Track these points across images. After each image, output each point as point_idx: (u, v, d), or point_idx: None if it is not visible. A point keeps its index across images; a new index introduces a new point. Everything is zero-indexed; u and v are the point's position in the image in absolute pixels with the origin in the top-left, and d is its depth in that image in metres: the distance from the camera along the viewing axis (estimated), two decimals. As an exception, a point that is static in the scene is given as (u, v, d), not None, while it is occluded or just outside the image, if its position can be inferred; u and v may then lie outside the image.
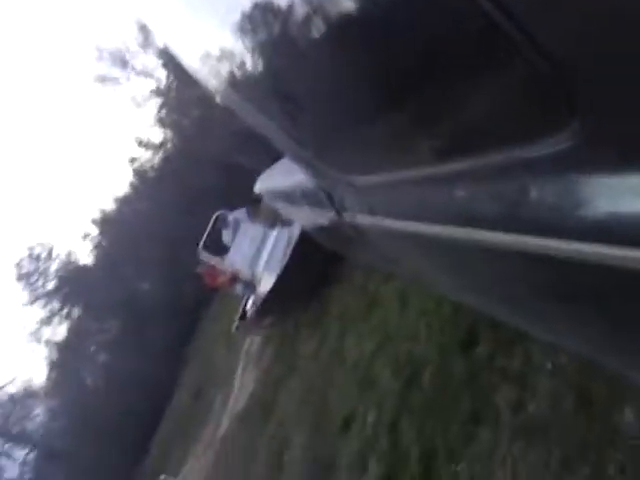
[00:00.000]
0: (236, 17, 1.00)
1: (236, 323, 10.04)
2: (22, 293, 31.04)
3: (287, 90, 1.20)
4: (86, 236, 32.67)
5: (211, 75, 1.58)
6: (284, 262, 7.28)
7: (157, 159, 30.62)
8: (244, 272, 8.78)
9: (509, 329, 2.64)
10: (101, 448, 25.18)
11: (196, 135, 23.96)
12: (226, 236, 9.51)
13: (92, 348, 35.90)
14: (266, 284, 8.03)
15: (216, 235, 9.67)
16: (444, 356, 3.33)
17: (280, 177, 2.94)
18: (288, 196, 2.82)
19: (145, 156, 30.79)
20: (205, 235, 9.73)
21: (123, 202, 32.64)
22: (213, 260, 9.28)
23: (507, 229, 0.72)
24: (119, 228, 32.21)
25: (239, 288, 9.36)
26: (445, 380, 3.22)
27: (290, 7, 0.85)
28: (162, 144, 29.53)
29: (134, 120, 26.98)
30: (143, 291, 32.33)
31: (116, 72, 24.16)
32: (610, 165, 0.50)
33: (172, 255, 27.77)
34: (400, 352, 3.98)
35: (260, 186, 4.10)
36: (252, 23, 0.99)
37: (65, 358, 34.25)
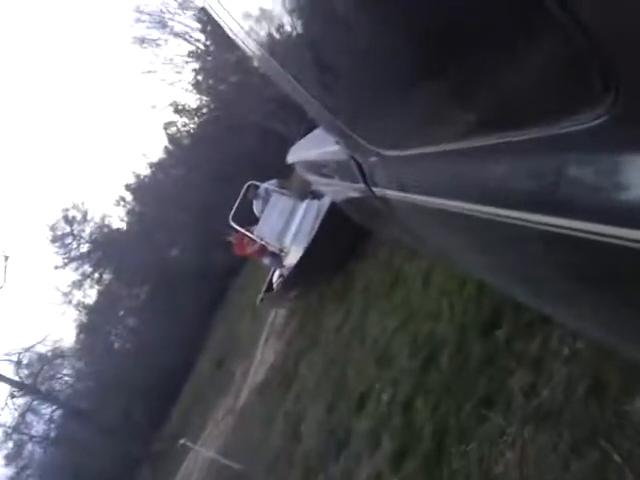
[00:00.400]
0: None
1: (261, 295, 10.19)
2: (55, 256, 31.80)
3: (324, 59, 1.21)
4: (120, 201, 33.28)
5: (250, 40, 1.58)
6: (312, 235, 7.33)
7: (192, 125, 30.87)
8: (272, 244, 8.86)
9: (530, 313, 2.64)
10: (124, 411, 26.01)
11: (232, 101, 24.02)
12: (256, 207, 9.60)
13: (121, 312, 36.86)
14: (294, 257, 8.11)
15: (247, 205, 9.78)
16: (464, 337, 3.34)
17: (313, 148, 2.94)
18: (320, 167, 2.82)
19: (180, 121, 31.06)
20: (235, 205, 9.82)
21: (157, 168, 33.09)
22: (243, 230, 9.34)
23: (537, 208, 0.70)
24: (152, 194, 32.69)
25: (267, 260, 9.49)
26: (462, 362, 3.24)
27: None
28: (198, 110, 29.72)
29: (171, 84, 27.11)
30: (173, 257, 32.92)
31: (155, 34, 24.26)
32: None
33: (204, 222, 28.17)
34: (420, 331, 4.00)
35: (292, 156, 4.09)
36: None
37: (94, 321, 35.22)
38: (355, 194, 2.08)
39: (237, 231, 9.42)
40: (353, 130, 1.41)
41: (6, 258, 27.02)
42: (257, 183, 9.78)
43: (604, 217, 0.57)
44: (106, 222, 33.62)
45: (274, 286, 9.57)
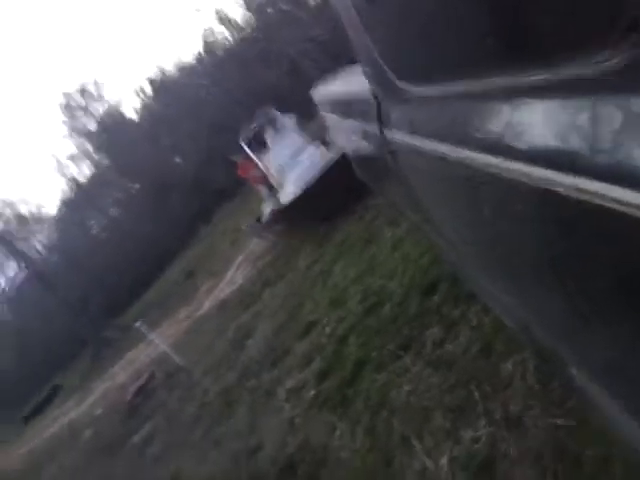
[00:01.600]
0: None
1: (250, 222, 10.70)
2: (62, 125, 31.99)
3: None
4: (140, 92, 33.32)
5: None
6: (312, 180, 7.67)
7: (231, 39, 30.71)
8: (273, 175, 9.21)
9: (462, 289, 3.23)
10: (84, 293, 26.75)
11: (276, 28, 24.00)
12: (269, 135, 9.87)
13: (108, 200, 37.28)
14: (288, 194, 8.46)
15: (260, 131, 10.06)
16: (406, 296, 3.95)
17: (338, 85, 2.96)
18: (340, 105, 2.78)
19: (221, 32, 30.88)
20: (249, 128, 10.13)
21: (185, 71, 33.03)
22: (250, 153, 9.63)
23: (538, 161, 0.65)
24: (172, 95, 32.70)
25: (263, 190, 9.85)
26: (398, 314, 3.85)
27: None
28: (240, 26, 29.55)
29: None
30: (175, 163, 33.20)
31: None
32: None
33: (214, 139, 28.40)
34: (374, 284, 4.61)
35: (317, 92, 4.16)
36: None
37: (80, 199, 35.60)
38: (366, 137, 2.03)
39: (244, 152, 9.65)
40: (385, 59, 1.38)
41: None
42: (277, 112, 10.02)
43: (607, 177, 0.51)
44: (120, 109, 33.75)
45: (262, 217, 10.04)
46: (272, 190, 9.56)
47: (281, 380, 4.64)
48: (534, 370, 2.36)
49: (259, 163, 9.49)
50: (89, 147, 33.60)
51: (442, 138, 1.02)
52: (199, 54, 31.81)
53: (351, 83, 2.20)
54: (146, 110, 34.83)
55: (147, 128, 33.03)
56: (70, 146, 33.13)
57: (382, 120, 1.58)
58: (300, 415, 3.92)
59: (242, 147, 9.75)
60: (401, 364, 3.31)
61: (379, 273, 4.72)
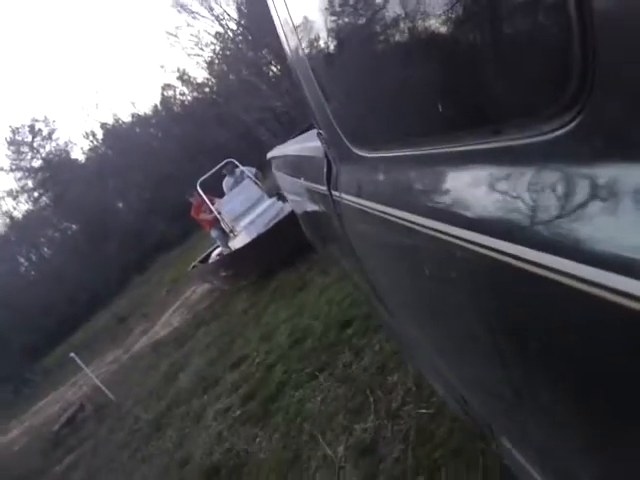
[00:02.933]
0: None
1: (195, 263, 11.18)
2: (5, 158, 31.87)
3: (333, 45, 1.27)
4: (89, 135, 33.74)
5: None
6: (262, 231, 8.13)
7: (189, 97, 31.89)
8: (226, 220, 9.66)
9: (373, 321, 4.01)
10: (10, 330, 25.95)
11: (234, 93, 25.32)
12: (226, 183, 10.23)
13: (42, 239, 36.66)
14: (239, 241, 8.99)
15: (218, 178, 10.40)
16: (326, 331, 4.70)
17: (292, 145, 3.10)
18: (292, 164, 2.86)
19: (180, 89, 32.07)
20: (209, 173, 10.49)
21: (139, 121, 33.85)
22: (205, 197, 9.94)
23: (475, 228, 0.67)
24: (123, 143, 33.26)
25: (214, 233, 10.26)
26: (318, 344, 4.58)
27: None
28: (200, 86, 30.84)
29: (188, 55, 28.23)
30: (117, 209, 33.37)
31: (195, 5, 25.41)
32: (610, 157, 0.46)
33: (160, 190, 28.92)
34: (301, 323, 5.34)
35: (272, 152, 4.27)
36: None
37: (13, 236, 34.86)
38: (314, 197, 2.09)
39: (199, 196, 10.00)
40: (338, 123, 1.43)
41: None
42: (237, 163, 10.46)
43: (540, 245, 0.53)
44: (68, 148, 33.92)
45: (210, 259, 10.43)
46: (224, 234, 10.03)
47: (210, 404, 5.22)
48: (412, 378, 3.14)
49: (213, 208, 9.85)
50: (29, 183, 33.34)
51: (388, 202, 1.05)
52: (155, 107, 32.75)
53: (305, 144, 2.31)
54: (94, 153, 35.14)
55: (93, 171, 33.22)
56: (9, 180, 32.74)
57: (331, 181, 1.65)
58: (226, 429, 4.51)
59: (198, 191, 10.02)
60: (317, 382, 4.02)
61: (306, 314, 5.45)
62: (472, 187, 0.68)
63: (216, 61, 29.02)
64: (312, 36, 1.40)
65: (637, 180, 0.43)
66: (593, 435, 0.62)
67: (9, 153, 31.27)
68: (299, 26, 1.46)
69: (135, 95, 55.73)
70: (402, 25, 0.77)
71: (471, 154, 0.69)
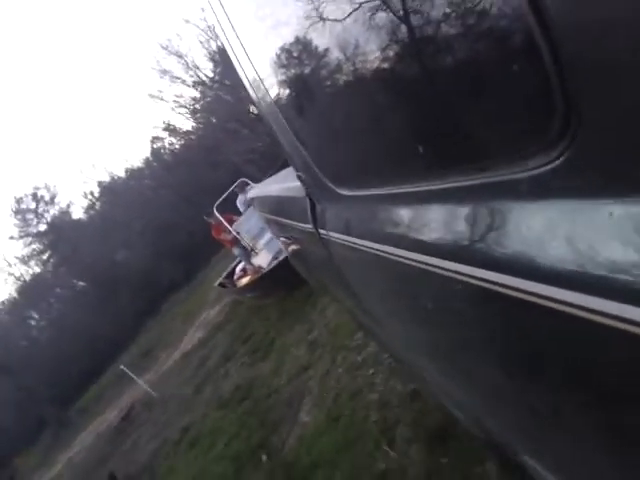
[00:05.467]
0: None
1: (220, 279, 12.60)
2: (13, 226, 34.72)
3: (309, 92, 1.32)
4: (88, 194, 36.59)
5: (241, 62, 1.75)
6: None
7: (177, 146, 34.78)
8: (246, 240, 10.37)
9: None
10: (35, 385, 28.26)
11: (220, 138, 27.86)
12: (240, 201, 10.83)
13: (51, 299, 39.03)
14: (263, 259, 9.61)
15: (232, 199, 11.17)
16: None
17: (272, 186, 3.16)
18: (273, 205, 2.99)
19: (168, 140, 35.00)
20: (223, 196, 11.22)
21: (133, 174, 36.69)
22: (223, 220, 10.62)
23: (463, 260, 0.72)
24: (120, 197, 35.95)
25: (236, 250, 10.92)
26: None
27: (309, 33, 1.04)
28: (186, 134, 33.69)
29: (172, 109, 31.33)
30: (123, 261, 35.82)
31: (178, 71, 28.25)
32: (599, 193, 0.49)
33: (161, 237, 31.56)
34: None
35: (252, 193, 4.54)
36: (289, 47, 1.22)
37: (24, 298, 37.09)
38: (302, 236, 2.17)
39: (216, 220, 10.71)
40: (317, 164, 1.48)
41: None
42: (248, 181, 10.98)
43: (527, 274, 0.58)
44: (70, 210, 36.75)
45: (235, 276, 11.40)
46: (246, 251, 10.74)
47: (232, 366, 7.92)
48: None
49: (231, 228, 10.56)
50: (37, 247, 36.00)
51: (378, 239, 1.10)
52: (147, 159, 35.71)
53: (284, 185, 2.41)
54: (94, 211, 37.87)
55: (96, 228, 35.85)
56: (18, 246, 35.58)
57: (317, 220, 1.72)
58: (241, 370, 7.20)
59: (215, 214, 10.74)
60: (294, 335, 6.72)
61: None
62: (459, 222, 0.73)
63: (198, 108, 31.41)
64: (281, 85, 1.48)
65: (625, 214, 0.46)
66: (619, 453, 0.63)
67: (16, 222, 34.00)
68: (265, 77, 1.56)
69: (127, 151, 59.53)
70: (379, 64, 0.80)
71: (457, 190, 0.73)
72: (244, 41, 1.62)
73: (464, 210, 0.73)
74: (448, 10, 0.59)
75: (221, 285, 12.24)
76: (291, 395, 5.08)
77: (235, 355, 8.32)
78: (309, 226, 1.80)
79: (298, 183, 1.82)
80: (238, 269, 11.47)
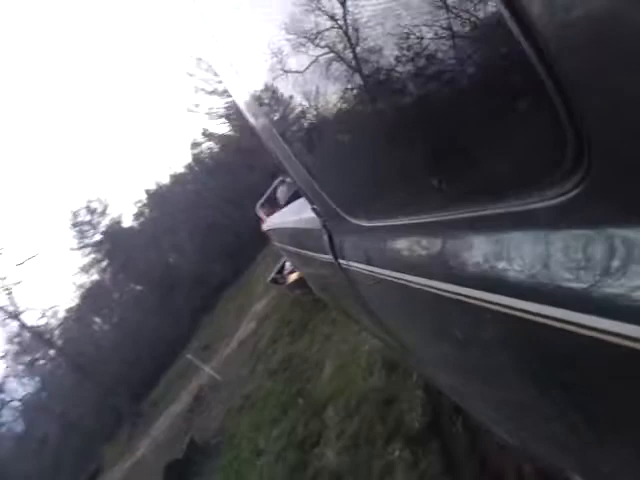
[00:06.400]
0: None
1: (272, 275, 13.29)
2: (72, 238, 37.36)
3: (318, 131, 1.36)
4: (137, 202, 39.02)
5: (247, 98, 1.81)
6: None
7: (216, 150, 36.56)
8: None
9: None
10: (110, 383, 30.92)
11: (255, 142, 29.08)
12: (281, 192, 11.12)
13: (112, 304, 41.50)
14: None
15: (274, 197, 11.35)
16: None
17: (288, 218, 3.27)
18: (293, 237, 3.05)
19: (206, 145, 36.92)
20: (265, 196, 11.82)
21: (177, 180, 38.73)
22: (266, 217, 11.03)
23: (488, 288, 0.75)
24: (168, 202, 37.89)
25: None
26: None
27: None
28: (223, 137, 35.41)
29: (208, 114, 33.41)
30: (175, 263, 37.78)
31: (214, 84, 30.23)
32: (615, 221, 0.50)
33: (209, 237, 33.47)
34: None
35: (268, 225, 4.61)
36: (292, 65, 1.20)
37: (85, 308, 39.52)
38: (322, 266, 2.21)
39: (262, 217, 11.19)
40: (331, 197, 1.50)
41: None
42: (285, 179, 11.07)
43: (551, 300, 0.60)
44: (121, 219, 39.24)
45: (284, 273, 11.95)
46: None
47: (280, 346, 9.94)
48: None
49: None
50: (95, 256, 38.59)
51: (399, 268, 1.14)
52: (189, 164, 37.88)
53: (300, 216, 2.48)
54: (144, 218, 40.22)
55: (147, 234, 37.95)
56: (78, 256, 38.21)
57: (335, 251, 1.78)
58: (283, 347, 9.21)
59: (258, 214, 11.47)
60: (324, 314, 8.69)
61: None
62: (479, 251, 0.76)
63: (231, 112, 33.01)
64: (291, 123, 1.48)
65: None
66: None
67: (74, 234, 36.85)
68: (277, 120, 1.59)
69: (170, 161, 63.37)
70: (394, 98, 0.82)
71: (475, 220, 0.75)
72: (250, 85, 1.66)
73: (484, 239, 0.77)
74: (466, 45, 0.63)
75: (273, 281, 12.51)
76: (318, 359, 7.09)
77: (281, 338, 10.37)
78: (329, 257, 1.88)
79: (312, 215, 1.91)
80: (288, 264, 11.70)
